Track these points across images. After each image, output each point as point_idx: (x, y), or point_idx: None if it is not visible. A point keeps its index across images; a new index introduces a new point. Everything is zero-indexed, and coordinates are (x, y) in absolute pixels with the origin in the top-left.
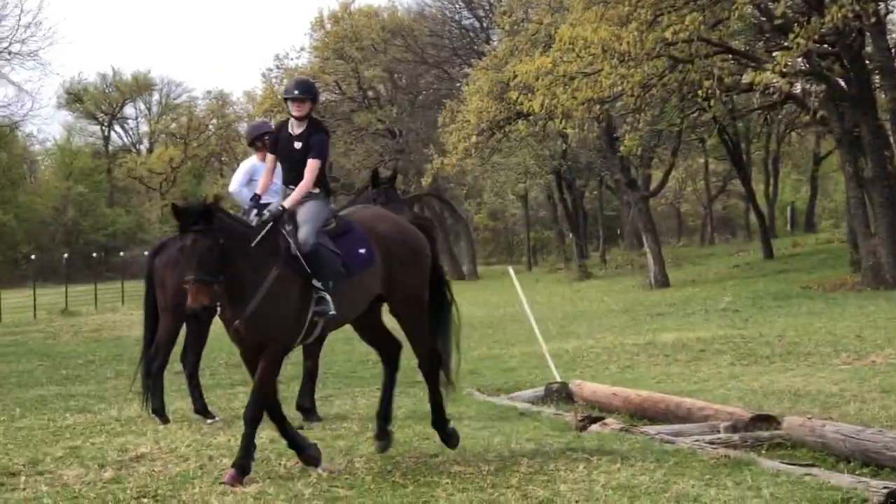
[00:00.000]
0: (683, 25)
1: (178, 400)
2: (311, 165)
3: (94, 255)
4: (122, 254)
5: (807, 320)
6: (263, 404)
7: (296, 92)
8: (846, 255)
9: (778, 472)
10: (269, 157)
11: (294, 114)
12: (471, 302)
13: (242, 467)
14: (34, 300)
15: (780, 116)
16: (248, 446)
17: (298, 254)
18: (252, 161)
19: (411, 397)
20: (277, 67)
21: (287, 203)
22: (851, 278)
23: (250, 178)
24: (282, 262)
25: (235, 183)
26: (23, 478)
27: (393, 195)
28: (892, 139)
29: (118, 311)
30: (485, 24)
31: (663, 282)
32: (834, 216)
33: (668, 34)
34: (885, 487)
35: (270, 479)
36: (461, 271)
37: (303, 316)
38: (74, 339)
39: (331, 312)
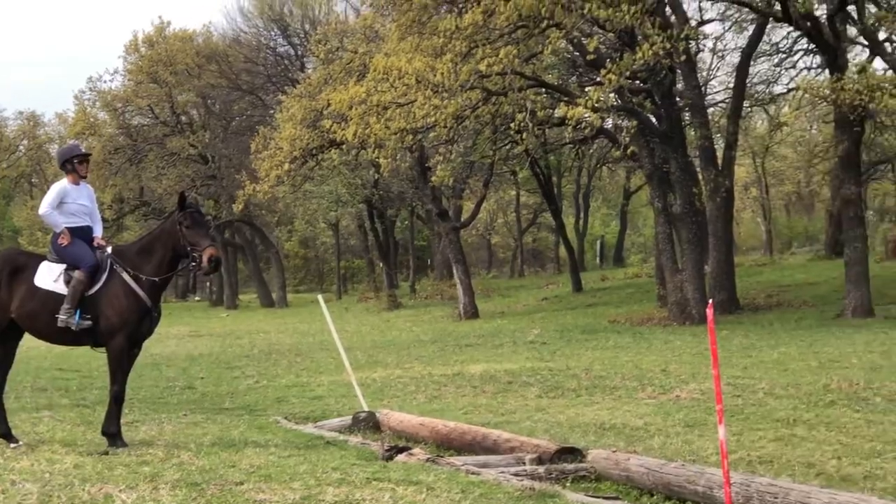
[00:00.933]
0: (497, 58)
1: None
2: None
3: None
4: None
5: (614, 354)
6: None
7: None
8: (654, 289)
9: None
10: None
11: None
12: (280, 329)
13: None
14: None
15: (591, 151)
16: None
17: None
18: (63, 184)
19: (217, 424)
20: (91, 90)
21: None
22: (658, 313)
23: (61, 200)
24: None
25: (45, 205)
26: None
27: (199, 219)
28: (700, 176)
29: None
30: (299, 52)
31: (473, 313)
32: (643, 251)
33: (482, 66)
34: None
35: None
36: (271, 298)
37: None
38: None
39: None
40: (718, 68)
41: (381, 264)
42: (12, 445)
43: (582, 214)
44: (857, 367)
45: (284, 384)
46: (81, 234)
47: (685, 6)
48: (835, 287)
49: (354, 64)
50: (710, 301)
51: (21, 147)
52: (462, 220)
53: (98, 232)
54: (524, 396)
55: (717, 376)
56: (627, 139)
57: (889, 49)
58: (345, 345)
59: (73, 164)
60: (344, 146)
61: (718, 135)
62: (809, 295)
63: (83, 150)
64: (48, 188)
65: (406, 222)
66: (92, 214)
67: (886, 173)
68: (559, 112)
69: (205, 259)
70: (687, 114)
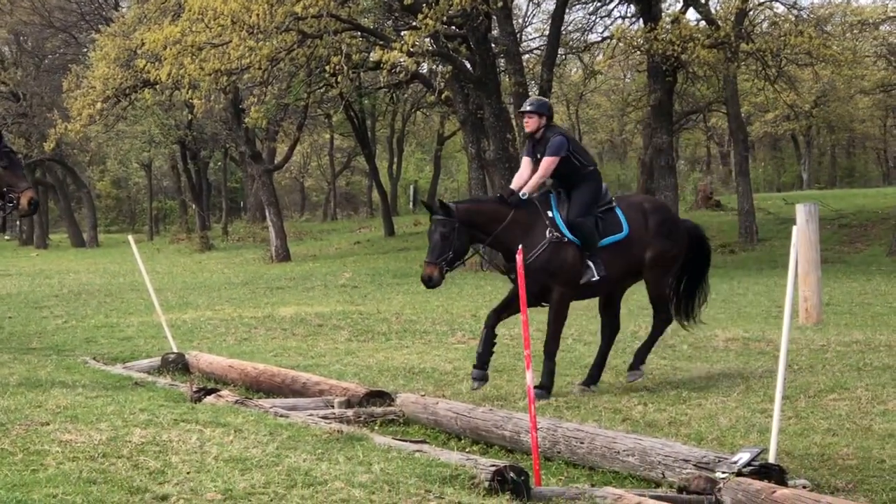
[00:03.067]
0: (313, 1)
1: None
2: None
3: None
4: None
5: (424, 298)
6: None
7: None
8: None
9: (389, 447)
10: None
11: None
12: (90, 270)
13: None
14: None
15: (406, 95)
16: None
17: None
18: None
19: (24, 364)
20: None
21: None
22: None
23: None
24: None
25: None
26: None
27: (16, 160)
28: (514, 122)
29: None
30: None
31: (284, 256)
32: (456, 196)
33: (298, 8)
34: (492, 465)
35: None
36: (82, 238)
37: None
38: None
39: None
40: (534, 15)
41: (193, 206)
42: None
43: (396, 159)
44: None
45: (94, 324)
46: None
47: None
48: None
49: (170, 3)
50: (521, 247)
51: None
52: (275, 162)
53: None
54: (334, 340)
55: (525, 321)
56: (442, 84)
57: (702, 0)
58: (155, 286)
59: None
60: (158, 86)
61: (533, 82)
62: None
63: None
64: None
65: (219, 164)
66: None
67: (698, 123)
68: (374, 56)
69: (24, 201)
70: (502, 60)
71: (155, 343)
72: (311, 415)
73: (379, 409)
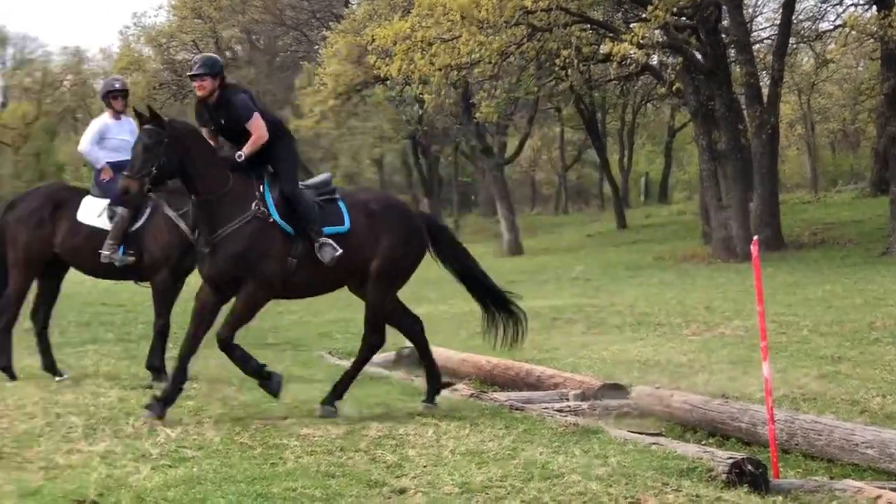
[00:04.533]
0: None
1: (26, 357)
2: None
3: None
4: None
5: (658, 291)
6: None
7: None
8: (698, 227)
9: (625, 440)
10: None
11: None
12: None
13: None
14: None
15: (636, 88)
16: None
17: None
18: (103, 119)
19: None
20: (135, 25)
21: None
22: (703, 250)
23: (101, 136)
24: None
25: (85, 142)
26: None
27: None
28: (745, 113)
29: None
30: None
31: (516, 249)
32: (687, 188)
33: (527, 2)
34: (729, 458)
35: (118, 438)
36: None
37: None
38: None
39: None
40: (765, 5)
41: (425, 200)
42: (57, 379)
43: (626, 151)
44: None
45: (328, 319)
46: (123, 168)
47: None
48: (880, 225)
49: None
50: (755, 238)
51: (65, 82)
52: (506, 156)
53: None
54: (568, 333)
55: (761, 313)
56: (672, 76)
57: None
58: None
59: (108, 99)
60: (388, 82)
61: (764, 72)
62: (854, 233)
63: (118, 87)
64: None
65: (450, 158)
66: None
67: None
68: (604, 48)
69: None
70: (732, 50)
71: (389, 338)
72: (546, 408)
73: (614, 402)
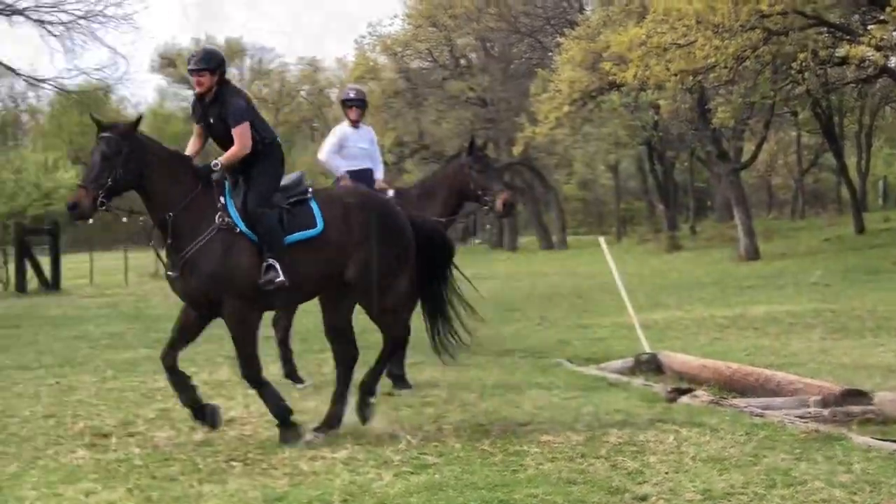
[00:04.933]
0: None
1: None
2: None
3: None
4: None
5: None
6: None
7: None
8: None
9: (869, 447)
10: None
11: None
12: (559, 272)
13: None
14: (125, 263)
15: (874, 90)
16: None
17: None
18: (342, 128)
19: (500, 366)
20: (371, 34)
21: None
22: None
23: (340, 144)
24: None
25: (325, 150)
26: (114, 439)
27: (490, 164)
28: None
29: None
30: None
31: (753, 254)
32: None
33: (763, 6)
34: None
35: (360, 445)
36: (550, 241)
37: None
38: (164, 302)
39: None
40: None
41: (660, 206)
42: (299, 386)
43: (864, 154)
44: None
45: (566, 326)
46: (362, 176)
47: None
48: None
49: (634, 5)
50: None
51: (302, 92)
52: (742, 161)
53: (379, 175)
54: (807, 338)
55: None
56: None
57: None
58: (625, 287)
59: (345, 109)
60: (623, 88)
61: None
62: None
63: (352, 96)
64: (328, 132)
65: (685, 164)
66: (372, 157)
67: None
68: (841, 51)
69: (499, 203)
70: None
71: (627, 344)
72: (786, 414)
73: (856, 409)
